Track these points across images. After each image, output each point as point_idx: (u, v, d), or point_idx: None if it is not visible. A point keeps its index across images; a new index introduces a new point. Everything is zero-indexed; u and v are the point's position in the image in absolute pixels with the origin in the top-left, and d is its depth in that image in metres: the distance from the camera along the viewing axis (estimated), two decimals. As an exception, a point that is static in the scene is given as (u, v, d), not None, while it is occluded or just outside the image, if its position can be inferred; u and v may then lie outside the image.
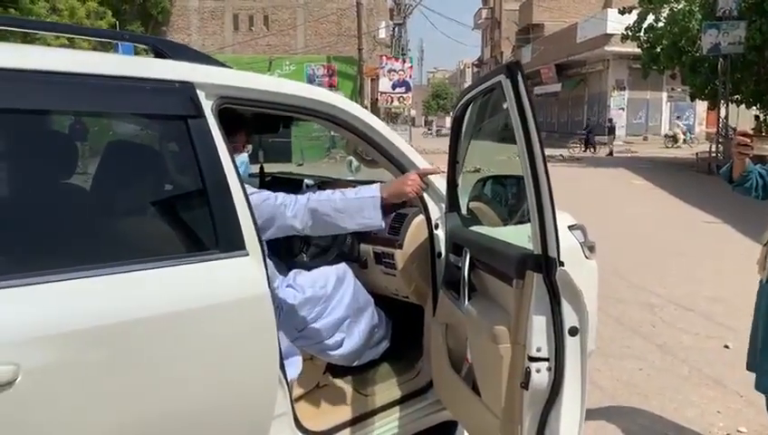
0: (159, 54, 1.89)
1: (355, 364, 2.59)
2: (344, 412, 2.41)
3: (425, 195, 2.49)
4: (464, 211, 2.52)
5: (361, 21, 23.59)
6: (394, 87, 22.99)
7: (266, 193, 2.18)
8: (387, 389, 2.58)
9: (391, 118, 24.53)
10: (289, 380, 2.08)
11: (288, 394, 2.03)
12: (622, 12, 22.06)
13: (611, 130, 27.00)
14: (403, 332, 2.82)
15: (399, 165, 2.43)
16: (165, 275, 1.69)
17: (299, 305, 2.36)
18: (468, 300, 2.07)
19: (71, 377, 1.48)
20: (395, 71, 23.06)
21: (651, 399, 3.75)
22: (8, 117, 1.57)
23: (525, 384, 1.78)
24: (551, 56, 37.15)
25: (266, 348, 1.88)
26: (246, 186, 1.97)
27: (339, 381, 2.64)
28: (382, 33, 29.50)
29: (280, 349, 1.96)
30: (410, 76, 23.75)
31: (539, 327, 1.76)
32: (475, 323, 2.01)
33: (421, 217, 2.54)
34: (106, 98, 1.72)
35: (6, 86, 1.51)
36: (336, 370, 2.65)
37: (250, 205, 1.90)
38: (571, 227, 3.23)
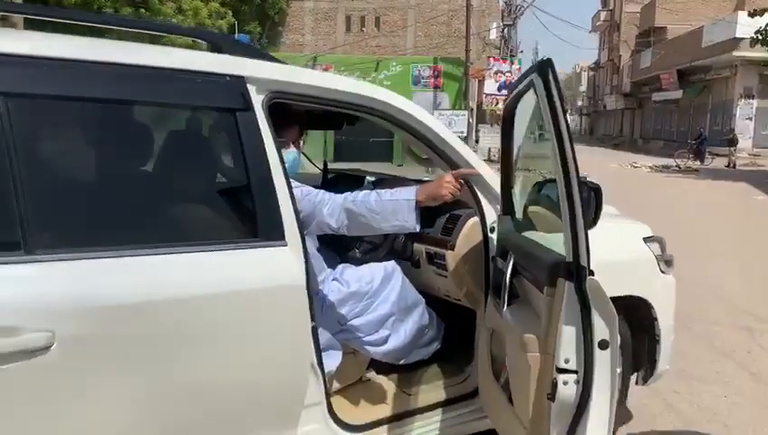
0: (217, 49, 1.98)
1: (401, 363, 2.59)
2: (384, 409, 2.42)
3: (480, 196, 2.45)
4: (519, 215, 2.45)
5: (470, 22, 23.36)
6: (500, 89, 22.59)
7: (308, 189, 2.22)
8: (431, 390, 2.56)
9: (496, 120, 24.17)
10: (326, 371, 2.11)
11: (323, 385, 2.06)
12: (752, 14, 20.50)
13: (733, 141, 25.01)
14: (457, 335, 2.78)
15: (454, 164, 2.40)
16: (201, 258, 1.77)
17: (343, 299, 2.39)
18: (508, 306, 2.02)
19: (104, 348, 1.58)
20: (502, 72, 22.70)
21: (732, 430, 3.47)
22: (85, 105, 1.71)
23: (552, 396, 1.71)
24: (672, 61, 35.17)
25: (299, 337, 1.92)
26: (292, 181, 2.02)
27: (382, 378, 2.65)
28: (493, 35, 29.05)
29: (317, 340, 1.99)
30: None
31: (568, 338, 1.69)
32: (510, 329, 1.96)
33: (476, 220, 2.50)
34: (164, 89, 1.82)
35: (89, 76, 1.65)
36: (381, 366, 2.66)
37: (293, 198, 1.95)
38: (647, 239, 3.07)
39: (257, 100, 1.93)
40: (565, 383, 1.71)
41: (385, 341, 2.47)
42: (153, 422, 1.68)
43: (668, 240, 3.18)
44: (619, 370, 2.57)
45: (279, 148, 1.96)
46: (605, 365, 1.70)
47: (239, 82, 1.91)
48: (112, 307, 1.60)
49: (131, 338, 1.63)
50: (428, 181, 2.60)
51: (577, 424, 1.72)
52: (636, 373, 3.19)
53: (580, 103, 79.94)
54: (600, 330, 1.69)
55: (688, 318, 5.16)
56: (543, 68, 1.71)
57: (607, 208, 3.58)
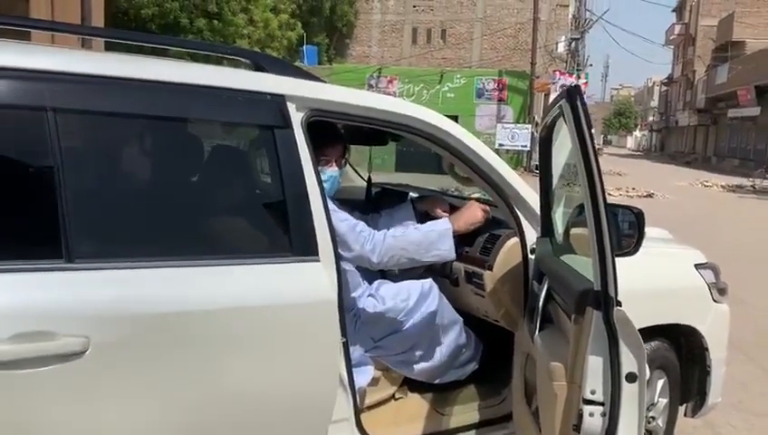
0: (259, 68, 2.04)
1: (436, 382, 2.57)
2: (415, 428, 2.40)
3: (521, 217, 2.42)
4: (560, 237, 2.40)
5: (537, 35, 23.10)
6: (565, 103, 22.20)
7: (345, 214, 2.26)
8: (466, 411, 2.53)
9: (559, 135, 23.74)
10: (357, 387, 2.13)
11: (353, 401, 2.07)
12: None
13: None
14: (495, 356, 2.75)
15: (494, 185, 2.39)
16: (235, 271, 1.82)
17: (378, 316, 2.40)
18: (540, 331, 1.99)
19: (136, 356, 1.65)
20: (567, 86, 22.29)
21: (789, 470, 3.29)
22: (131, 120, 1.80)
23: (577, 427, 1.67)
24: (750, 77, 33.69)
25: (329, 352, 1.94)
26: (330, 202, 2.07)
27: (415, 396, 2.64)
28: (560, 48, 28.67)
29: (348, 355, 2.01)
30: (584, 92, 22.82)
31: (595, 368, 1.65)
32: (540, 355, 1.92)
33: (515, 241, 2.47)
34: (208, 106, 1.89)
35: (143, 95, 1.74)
36: (414, 384, 2.65)
37: (329, 216, 1.98)
38: (699, 266, 2.95)
39: (296, 117, 1.97)
40: (591, 415, 1.66)
41: (419, 359, 2.47)
42: (180, 431, 1.73)
43: (737, 266, 3.05)
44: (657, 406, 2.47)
45: (316, 165, 1.99)
46: (632, 398, 1.64)
47: (279, 101, 1.95)
48: (146, 316, 1.66)
49: (163, 347, 1.68)
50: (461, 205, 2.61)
51: None
52: (685, 405, 3.07)
53: (651, 119, 77.65)
54: (628, 362, 1.64)
55: (755, 349, 4.93)
56: (572, 94, 1.68)
57: (660, 233, 3.49)
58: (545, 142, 2.32)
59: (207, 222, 1.96)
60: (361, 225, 2.25)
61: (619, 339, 1.63)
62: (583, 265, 2.11)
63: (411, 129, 2.27)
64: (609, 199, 2.28)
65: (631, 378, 1.64)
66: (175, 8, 19.92)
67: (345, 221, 2.22)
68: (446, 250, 2.25)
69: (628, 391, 1.64)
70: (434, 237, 2.23)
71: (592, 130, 1.66)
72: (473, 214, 2.29)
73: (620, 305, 1.64)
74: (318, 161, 2.30)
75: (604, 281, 1.63)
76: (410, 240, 2.21)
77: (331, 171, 2.40)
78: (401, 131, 2.30)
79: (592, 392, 1.66)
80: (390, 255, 2.21)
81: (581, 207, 2.52)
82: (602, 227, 1.61)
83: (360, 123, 2.22)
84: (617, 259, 2.27)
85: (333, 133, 2.40)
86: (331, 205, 2.14)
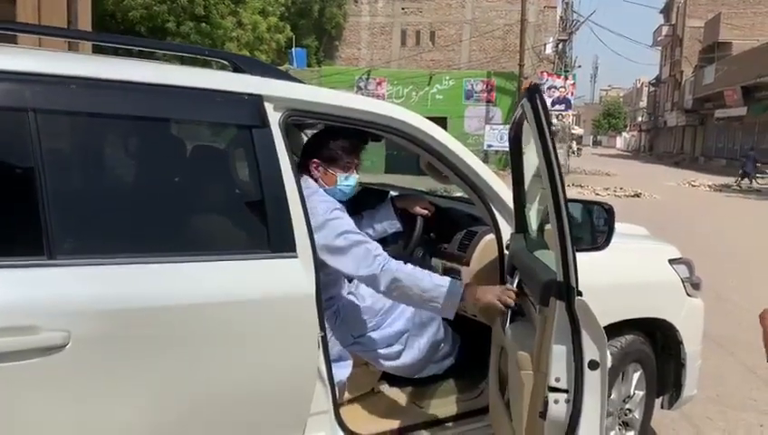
0: (237, 69, 2.09)
1: (416, 377, 2.63)
2: (394, 420, 2.45)
3: (497, 214, 2.48)
4: (534, 233, 2.46)
5: (525, 36, 23.22)
6: (553, 104, 22.33)
7: (362, 237, 2.28)
8: (443, 404, 2.59)
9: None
10: (337, 381, 2.17)
11: (331, 395, 2.12)
12: (822, 29, 19.69)
13: None
14: (473, 350, 2.80)
15: (470, 182, 2.44)
16: (213, 267, 1.87)
17: (357, 312, 2.45)
18: (511, 323, 2.05)
19: (116, 349, 1.69)
20: (555, 87, 22.44)
21: (765, 460, 3.36)
22: (109, 121, 1.84)
23: (543, 414, 1.73)
24: (737, 77, 34.00)
25: (306, 346, 1.99)
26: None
27: (394, 390, 2.69)
28: (548, 49, 28.80)
29: (326, 349, 2.06)
30: (572, 94, 22.96)
31: (558, 357, 1.71)
32: (509, 346, 1.98)
33: (491, 237, 2.53)
34: (187, 106, 1.94)
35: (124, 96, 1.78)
36: (394, 378, 2.70)
37: (306, 212, 2.03)
38: (673, 261, 3.02)
39: (274, 117, 2.02)
40: (556, 402, 1.72)
41: (398, 355, 2.52)
42: (159, 423, 1.77)
43: (720, 263, 3.12)
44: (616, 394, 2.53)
45: (294, 163, 2.03)
46: (595, 385, 1.70)
47: (256, 101, 2.00)
48: (127, 311, 1.71)
49: (141, 341, 1.73)
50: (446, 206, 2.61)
51: None
52: (662, 397, 3.14)
53: (639, 119, 78.11)
54: (590, 350, 1.70)
55: (732, 344, 5.02)
56: (531, 94, 1.75)
57: (637, 230, 3.56)
58: (515, 140, 2.38)
59: (187, 219, 2.00)
60: (379, 248, 2.26)
61: (580, 328, 1.69)
62: (553, 259, 2.18)
63: (390, 128, 2.32)
64: (596, 199, 2.35)
65: (593, 365, 1.70)
66: (163, 11, 19.89)
67: (364, 244, 2.23)
68: (447, 312, 2.22)
69: (591, 378, 1.70)
70: (441, 294, 2.19)
71: (552, 129, 1.72)
72: (489, 301, 2.17)
73: (581, 295, 1.70)
74: (347, 167, 2.39)
75: (566, 272, 1.69)
76: (419, 285, 2.19)
77: (353, 177, 2.45)
78: (380, 131, 2.35)
79: (557, 380, 1.72)
80: (396, 288, 2.21)
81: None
82: (563, 221, 1.67)
83: (339, 123, 2.27)
84: (592, 254, 2.37)
85: (360, 137, 2.44)
86: (351, 223, 2.24)
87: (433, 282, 2.22)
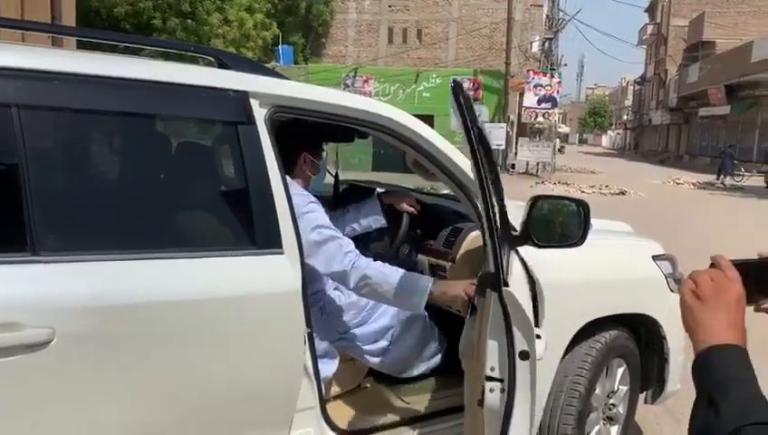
0: (222, 65, 2.09)
1: (403, 376, 2.63)
2: (380, 416, 2.47)
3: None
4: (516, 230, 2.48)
5: (511, 34, 23.32)
6: (539, 102, 22.47)
7: (335, 232, 2.29)
8: (430, 400, 2.60)
9: (534, 133, 24.00)
10: (323, 377, 2.18)
11: (318, 390, 2.13)
12: (803, 29, 19.93)
13: None
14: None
15: (458, 181, 2.45)
16: (199, 264, 1.87)
17: (343, 309, 2.46)
18: (469, 316, 2.09)
19: (101, 346, 1.69)
20: (541, 86, 22.55)
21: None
22: (95, 116, 1.83)
23: (481, 402, 1.78)
24: (720, 76, 34.35)
25: (292, 342, 2.00)
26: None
27: (381, 386, 2.70)
28: (535, 48, 28.94)
29: (312, 345, 2.07)
30: (558, 92, 23.06)
31: (492, 347, 1.77)
32: (462, 337, 2.03)
33: (477, 233, 2.55)
34: (172, 102, 1.93)
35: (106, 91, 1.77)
36: (380, 374, 2.71)
37: (292, 209, 2.03)
38: (657, 257, 3.05)
39: (260, 114, 2.02)
40: (492, 391, 1.78)
41: (384, 351, 2.53)
42: (145, 420, 1.77)
43: (701, 259, 3.15)
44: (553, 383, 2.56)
45: (279, 160, 2.04)
46: (525, 375, 1.75)
47: (242, 97, 2.00)
48: (112, 308, 1.70)
49: (127, 338, 1.72)
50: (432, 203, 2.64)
51: (507, 430, 1.77)
52: (645, 392, 3.17)
53: (625, 118, 78.68)
54: (520, 341, 1.74)
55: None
56: (455, 90, 1.78)
57: (621, 226, 3.60)
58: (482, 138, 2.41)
59: (172, 216, 2.00)
60: (351, 245, 2.28)
61: (511, 319, 1.72)
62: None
63: (377, 126, 2.32)
64: (582, 197, 2.37)
65: (524, 356, 1.74)
66: (148, 7, 19.76)
67: (336, 240, 2.24)
68: (415, 306, 2.24)
69: (522, 367, 1.73)
70: (410, 289, 2.22)
71: (478, 124, 1.74)
72: (456, 293, 2.24)
73: (507, 286, 1.73)
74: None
75: (495, 263, 1.72)
76: (388, 282, 2.22)
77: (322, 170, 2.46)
78: (367, 128, 2.36)
79: (492, 369, 1.77)
80: (366, 285, 2.23)
81: (533, 200, 2.60)
82: (490, 213, 1.70)
83: (325, 120, 2.27)
84: (574, 251, 2.39)
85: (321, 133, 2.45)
86: (326, 217, 2.25)
87: (401, 278, 2.23)
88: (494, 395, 1.77)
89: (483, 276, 1.81)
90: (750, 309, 1.08)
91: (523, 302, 1.74)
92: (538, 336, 1.84)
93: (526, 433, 1.79)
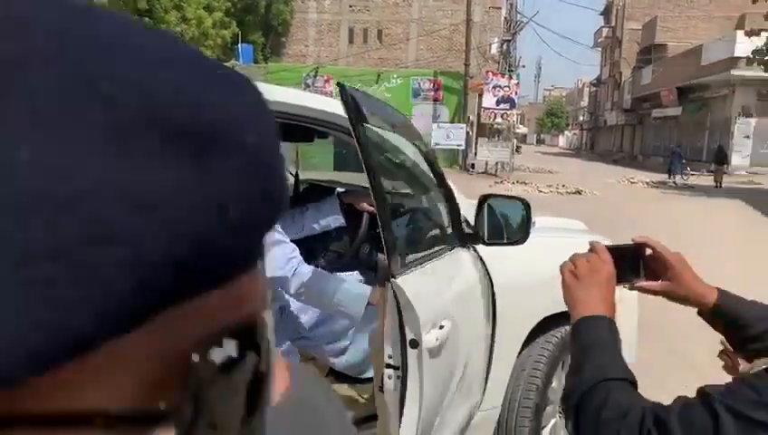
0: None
1: (363, 376, 2.65)
2: (341, 415, 2.48)
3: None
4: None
5: (470, 36, 23.57)
6: (498, 103, 22.77)
7: (283, 237, 2.32)
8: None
9: (493, 134, 24.32)
10: (281, 376, 2.19)
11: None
12: (749, 34, 20.70)
13: (721, 159, 23.28)
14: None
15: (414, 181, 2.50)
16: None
17: (303, 308, 2.46)
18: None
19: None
20: (500, 87, 22.85)
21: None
22: None
23: (381, 388, 1.84)
24: (672, 79, 35.41)
25: (252, 342, 2.00)
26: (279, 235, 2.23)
27: (342, 386, 2.72)
28: (494, 49, 29.33)
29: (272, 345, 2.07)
30: (516, 93, 23.40)
31: (388, 335, 1.81)
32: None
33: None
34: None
35: None
36: (341, 373, 2.73)
37: None
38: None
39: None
40: (389, 378, 1.82)
41: (344, 351, 2.54)
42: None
43: None
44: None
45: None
46: (414, 363, 1.81)
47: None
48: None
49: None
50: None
51: (402, 412, 1.85)
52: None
53: (581, 118, 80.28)
54: (409, 330, 1.80)
55: (660, 331, 5.25)
56: (342, 92, 1.81)
57: (575, 224, 3.69)
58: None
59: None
60: (295, 251, 2.29)
61: (401, 308, 1.78)
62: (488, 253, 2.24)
63: (336, 126, 2.33)
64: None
65: (414, 344, 1.79)
66: (103, 4, 19.34)
67: (282, 245, 2.26)
68: (355, 313, 2.25)
69: (412, 355, 1.80)
70: (348, 299, 2.24)
71: (364, 124, 1.78)
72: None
73: (395, 277, 1.78)
74: None
75: (388, 256, 1.77)
76: (327, 290, 2.25)
77: None
78: (327, 129, 2.36)
79: (389, 357, 1.82)
80: (303, 290, 2.25)
81: (482, 200, 2.65)
82: (380, 205, 1.75)
83: (285, 120, 2.27)
84: (524, 249, 2.45)
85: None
86: (279, 236, 2.25)
87: (342, 288, 2.26)
88: (391, 382, 1.83)
89: (383, 266, 1.85)
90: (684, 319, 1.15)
91: (482, 299, 1.78)
92: (441, 326, 1.91)
93: (416, 411, 1.85)
